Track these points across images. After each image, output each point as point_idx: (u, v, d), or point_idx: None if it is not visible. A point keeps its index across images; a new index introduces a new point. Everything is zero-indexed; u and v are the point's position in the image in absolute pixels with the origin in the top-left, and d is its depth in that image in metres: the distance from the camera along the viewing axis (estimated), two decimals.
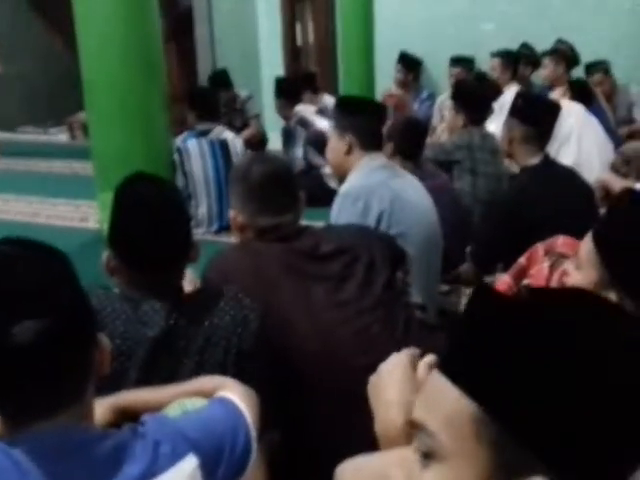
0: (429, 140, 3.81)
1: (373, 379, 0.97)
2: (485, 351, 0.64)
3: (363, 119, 2.38)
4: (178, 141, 4.26)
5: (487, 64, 5.87)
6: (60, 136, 7.61)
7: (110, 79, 3.85)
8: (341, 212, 2.27)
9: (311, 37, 7.60)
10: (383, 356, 0.96)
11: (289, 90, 5.29)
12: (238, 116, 5.91)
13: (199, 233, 4.11)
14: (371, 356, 1.62)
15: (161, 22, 4.30)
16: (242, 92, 6.06)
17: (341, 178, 2.43)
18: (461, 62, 6.28)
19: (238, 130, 5.41)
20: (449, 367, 0.67)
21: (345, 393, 1.62)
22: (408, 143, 3.16)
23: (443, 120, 5.07)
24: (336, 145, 2.40)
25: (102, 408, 1.30)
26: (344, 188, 2.35)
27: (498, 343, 0.63)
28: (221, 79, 5.97)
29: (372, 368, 0.96)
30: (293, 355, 1.67)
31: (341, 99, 2.83)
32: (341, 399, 1.64)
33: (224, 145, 4.24)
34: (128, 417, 1.31)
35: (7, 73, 6.64)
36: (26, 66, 7.64)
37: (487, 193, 3.54)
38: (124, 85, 3.85)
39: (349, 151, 2.36)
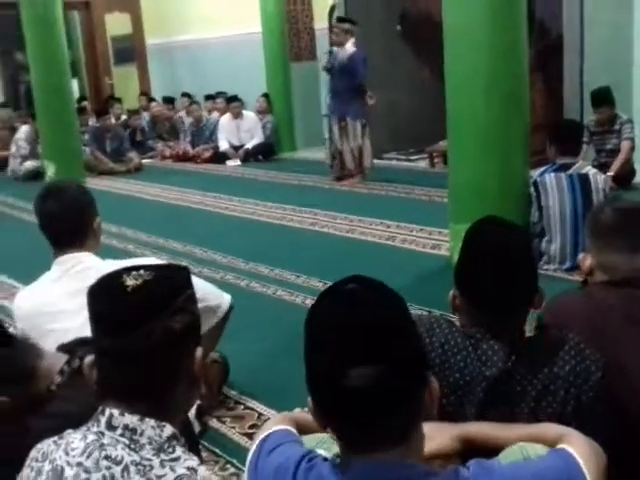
0: None
1: None
2: None
3: None
4: (535, 174, 4.15)
5: None
6: (420, 163, 7.97)
7: (473, 111, 3.91)
8: None
9: None
10: None
11: None
12: (613, 137, 5.77)
13: (550, 269, 3.96)
14: None
15: (530, 52, 4.26)
16: (622, 114, 5.81)
17: None
18: None
19: (608, 153, 5.54)
20: None
21: None
22: None
23: None
24: None
25: (449, 437, 1.35)
26: None
27: None
28: (604, 97, 5.73)
29: None
30: (631, 412, 1.56)
31: None
32: None
33: (584, 180, 4.01)
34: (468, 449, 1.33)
35: (378, 102, 7.13)
36: (394, 96, 8.15)
37: None
38: (487, 118, 3.88)
39: None
